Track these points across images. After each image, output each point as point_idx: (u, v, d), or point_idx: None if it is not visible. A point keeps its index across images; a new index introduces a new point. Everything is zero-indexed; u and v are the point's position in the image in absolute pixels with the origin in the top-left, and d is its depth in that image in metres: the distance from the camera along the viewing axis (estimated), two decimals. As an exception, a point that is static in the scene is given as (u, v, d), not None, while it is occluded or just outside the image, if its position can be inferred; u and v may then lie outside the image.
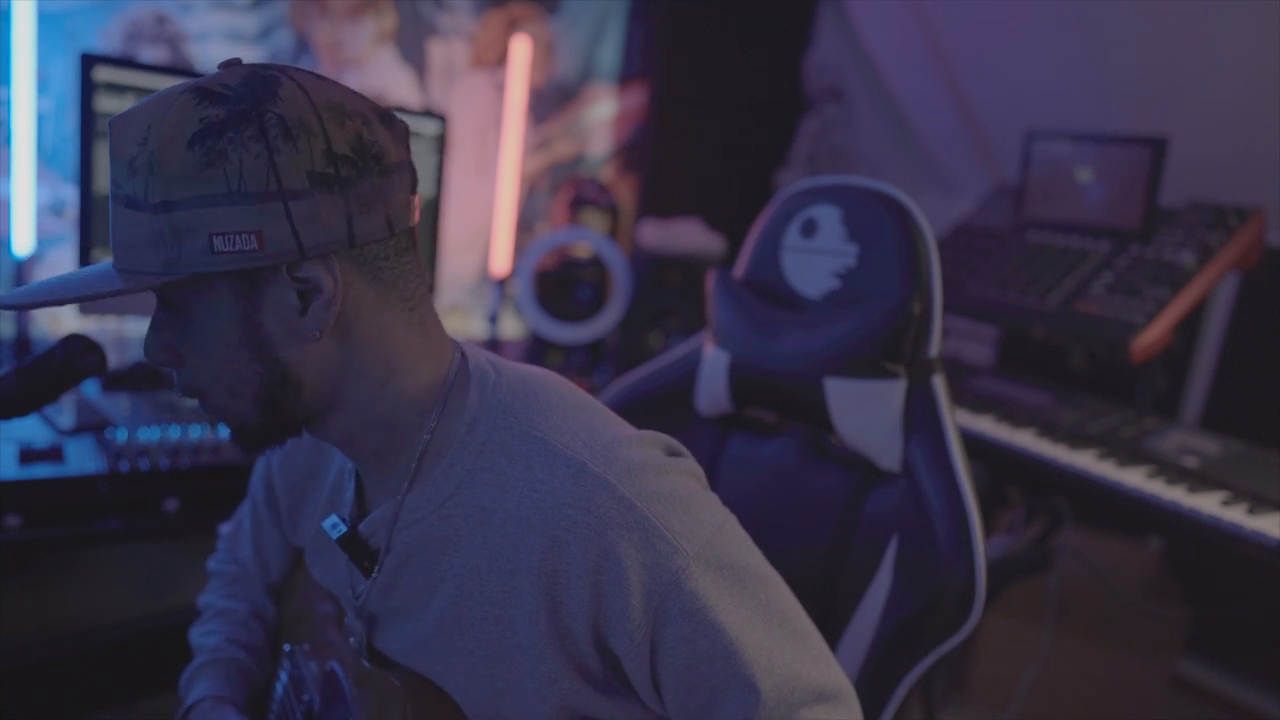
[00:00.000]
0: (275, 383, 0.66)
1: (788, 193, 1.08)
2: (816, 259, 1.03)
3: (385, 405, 0.69)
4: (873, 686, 0.91)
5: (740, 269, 1.11)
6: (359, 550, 0.75)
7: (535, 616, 0.67)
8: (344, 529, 0.75)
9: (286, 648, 0.90)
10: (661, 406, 1.15)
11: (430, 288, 0.73)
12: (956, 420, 0.95)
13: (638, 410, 1.15)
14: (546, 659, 0.68)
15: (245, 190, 0.59)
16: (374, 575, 0.75)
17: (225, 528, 1.03)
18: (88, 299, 0.63)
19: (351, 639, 0.81)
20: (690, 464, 0.73)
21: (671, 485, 0.68)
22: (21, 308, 0.65)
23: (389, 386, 0.69)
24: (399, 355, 0.69)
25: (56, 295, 0.64)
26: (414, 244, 0.70)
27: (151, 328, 0.67)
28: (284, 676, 0.90)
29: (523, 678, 0.69)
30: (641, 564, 0.65)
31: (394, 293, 0.68)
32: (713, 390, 1.08)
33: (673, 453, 0.73)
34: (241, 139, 0.59)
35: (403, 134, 0.67)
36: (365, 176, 0.62)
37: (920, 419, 0.94)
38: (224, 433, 1.36)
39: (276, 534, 0.95)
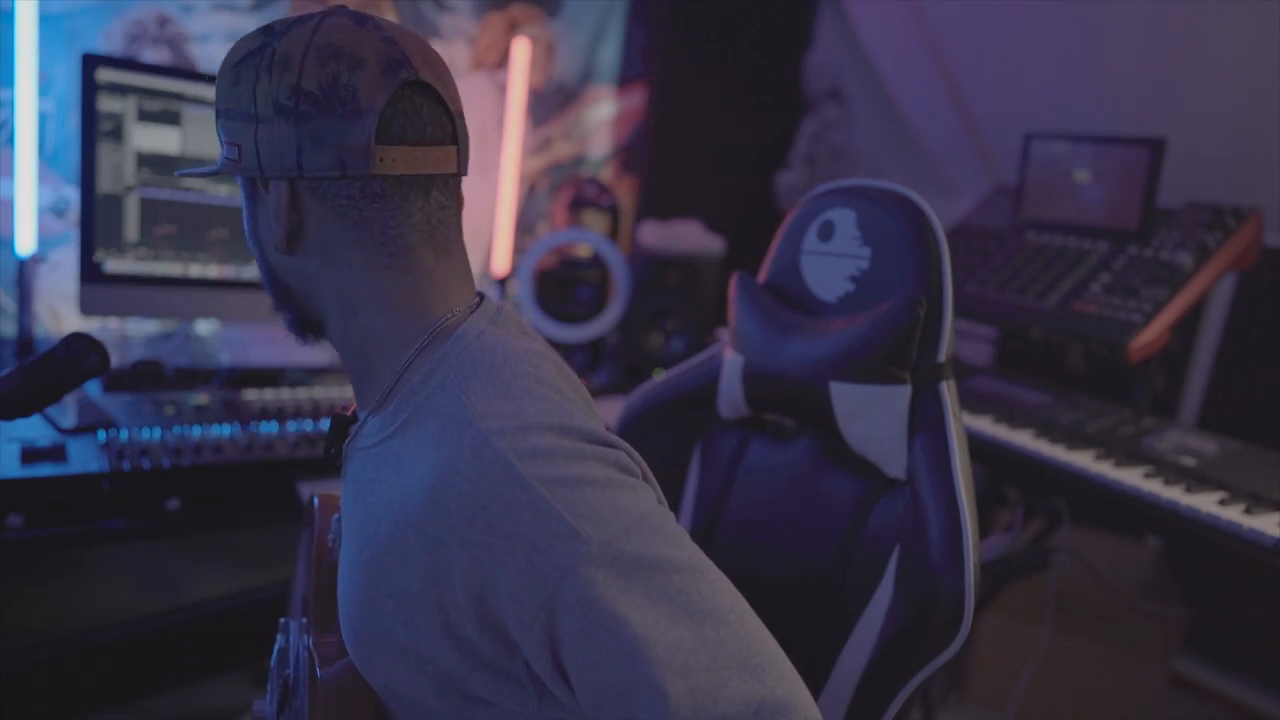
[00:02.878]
0: (271, 280, 0.78)
1: (809, 195, 1.08)
2: (833, 262, 1.02)
3: (356, 335, 0.75)
4: (870, 698, 0.90)
5: (763, 273, 1.11)
6: (337, 435, 0.79)
7: (413, 572, 0.66)
8: (344, 414, 0.80)
9: (282, 621, 0.92)
10: (687, 409, 1.16)
11: (444, 244, 0.76)
12: (963, 427, 0.93)
13: (664, 413, 1.16)
14: (417, 615, 0.67)
15: (239, 110, 0.70)
16: (341, 461, 0.80)
17: None
18: (205, 174, 0.79)
19: (328, 537, 0.85)
20: (615, 455, 0.68)
21: (585, 471, 0.64)
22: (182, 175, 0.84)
23: (358, 318, 0.74)
24: (370, 293, 0.73)
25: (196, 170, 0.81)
26: (403, 193, 0.71)
27: None
28: (276, 649, 0.91)
29: (394, 627, 0.68)
30: (532, 544, 0.61)
31: (367, 234, 0.72)
32: (730, 394, 1.09)
33: (599, 442, 0.68)
34: (250, 67, 0.69)
35: (395, 85, 0.69)
36: (323, 115, 0.68)
37: (925, 426, 0.93)
38: (224, 430, 1.37)
39: None
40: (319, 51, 0.68)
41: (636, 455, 0.70)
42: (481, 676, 0.68)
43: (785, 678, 0.62)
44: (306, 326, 0.79)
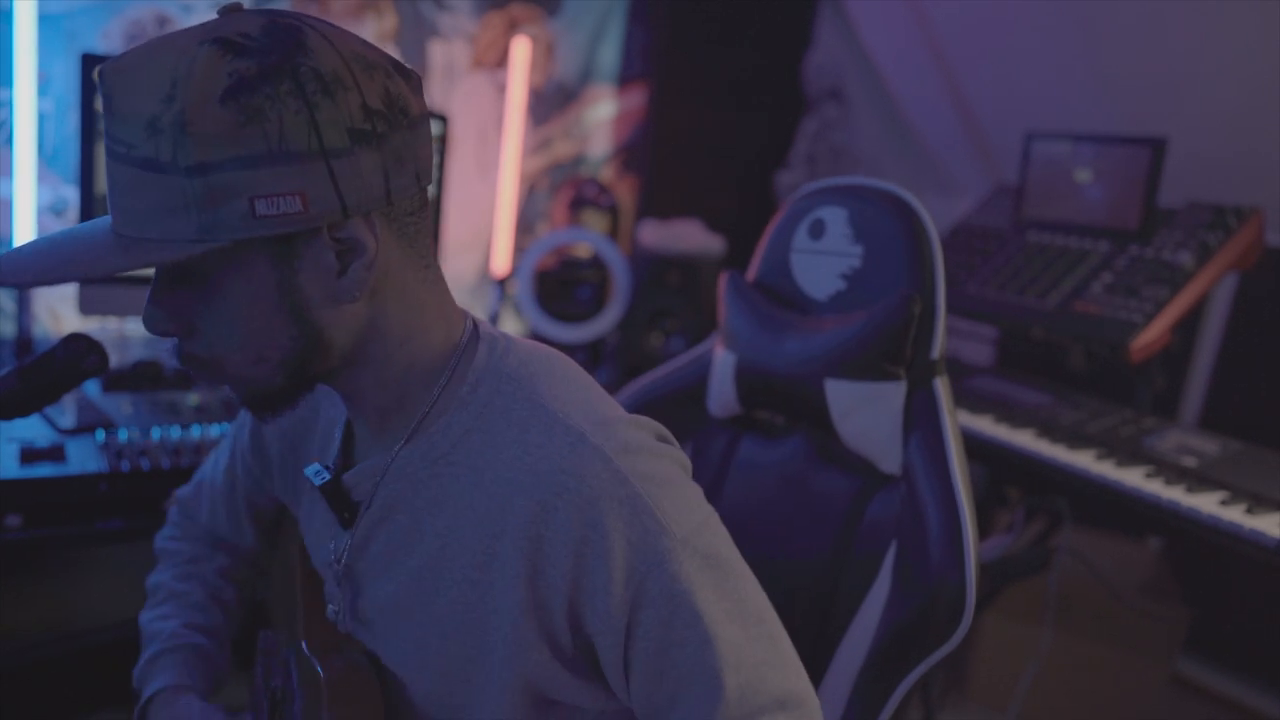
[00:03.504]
0: (307, 346, 0.64)
1: (798, 194, 1.08)
2: (824, 260, 1.03)
3: (399, 365, 0.69)
4: (868, 693, 0.90)
5: (752, 271, 1.11)
6: (340, 500, 0.73)
7: (515, 582, 0.66)
8: (328, 477, 0.73)
9: (262, 634, 0.90)
10: (675, 407, 1.15)
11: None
12: (958, 423, 0.94)
13: (652, 410, 1.14)
14: (520, 627, 0.66)
15: (287, 150, 0.56)
16: (353, 529, 0.73)
17: (183, 491, 0.99)
18: (100, 277, 0.59)
19: (330, 606, 0.79)
20: (680, 454, 0.72)
21: (664, 469, 0.68)
22: (23, 285, 0.62)
23: (406, 346, 0.68)
24: (417, 315, 0.68)
25: (62, 273, 0.59)
26: (428, 200, 0.69)
27: (154, 297, 0.63)
28: (260, 662, 0.89)
29: (495, 644, 0.68)
30: (627, 539, 0.63)
31: (415, 250, 0.67)
32: (722, 392, 1.09)
33: (663, 439, 0.72)
34: (278, 94, 0.56)
35: (418, 85, 0.66)
36: (396, 130, 0.61)
37: (920, 422, 0.94)
38: (223, 431, 1.36)
39: (258, 487, 0.91)
40: (357, 63, 0.60)
41: (679, 446, 0.74)
42: (561, 675, 0.69)
43: (801, 674, 0.69)
44: (304, 390, 0.68)
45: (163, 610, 0.90)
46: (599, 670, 0.69)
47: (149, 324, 0.64)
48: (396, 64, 0.65)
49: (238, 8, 0.62)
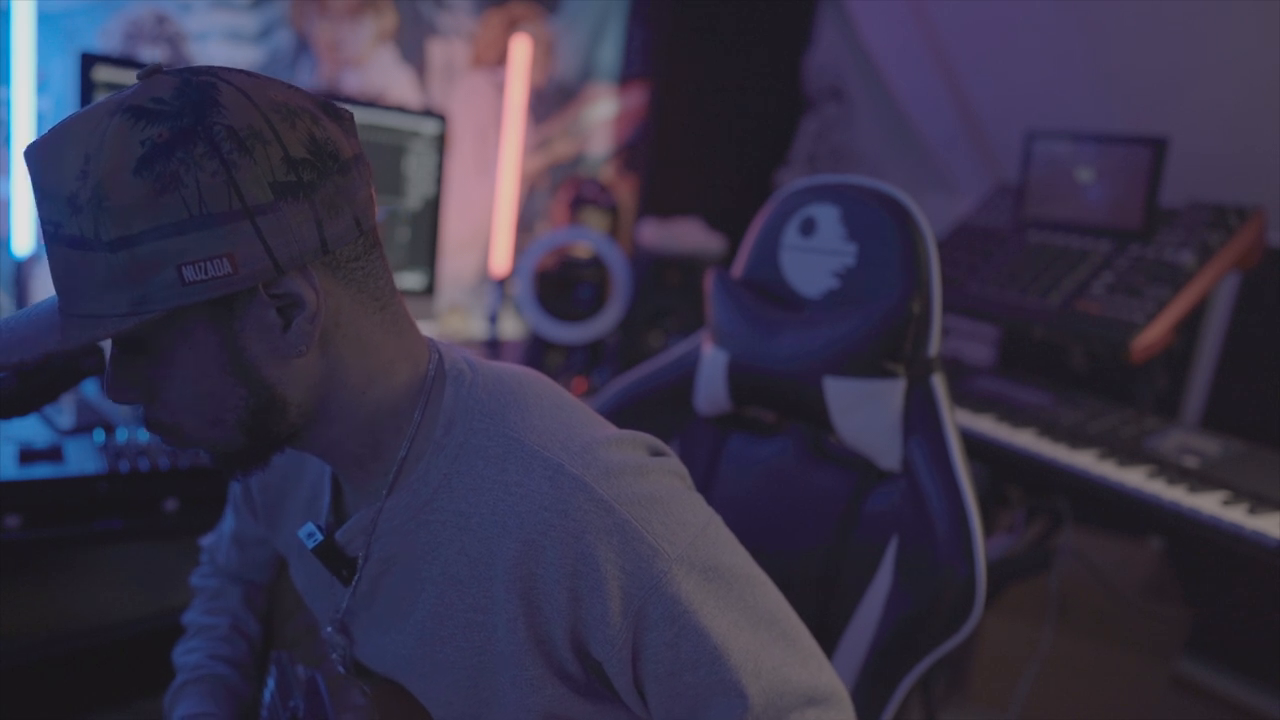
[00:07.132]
0: (261, 406, 0.63)
1: (786, 191, 1.07)
2: (815, 258, 1.03)
3: (366, 412, 0.67)
4: (873, 687, 0.91)
5: (739, 268, 1.11)
6: (336, 559, 0.72)
7: (514, 623, 0.65)
8: (320, 538, 0.72)
9: (274, 654, 0.90)
10: (660, 406, 1.15)
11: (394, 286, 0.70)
12: (956, 420, 0.95)
13: (636, 410, 1.15)
14: (527, 666, 0.66)
15: (208, 213, 0.55)
16: (354, 584, 0.73)
17: (207, 539, 1.02)
18: (42, 357, 0.57)
19: (332, 654, 0.78)
20: (673, 463, 0.71)
21: (652, 487, 0.66)
22: None
23: (369, 393, 0.67)
24: (376, 359, 0.66)
25: (8, 355, 0.58)
26: (379, 240, 0.67)
27: (113, 366, 0.63)
28: (271, 683, 0.88)
29: (506, 687, 0.67)
30: (620, 568, 0.63)
31: (366, 294, 0.65)
32: (711, 390, 1.08)
33: (655, 452, 0.71)
34: (193, 157, 0.55)
35: (350, 125, 0.64)
36: (327, 177, 0.59)
37: (920, 418, 0.94)
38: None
39: (258, 531, 0.93)
40: (277, 114, 0.58)
41: (674, 454, 0.73)
42: (578, 704, 0.69)
43: (825, 666, 0.70)
44: (271, 450, 0.67)
45: (192, 644, 0.94)
46: (614, 691, 0.69)
47: (111, 393, 0.64)
48: (326, 106, 0.62)
49: (158, 69, 0.59)
